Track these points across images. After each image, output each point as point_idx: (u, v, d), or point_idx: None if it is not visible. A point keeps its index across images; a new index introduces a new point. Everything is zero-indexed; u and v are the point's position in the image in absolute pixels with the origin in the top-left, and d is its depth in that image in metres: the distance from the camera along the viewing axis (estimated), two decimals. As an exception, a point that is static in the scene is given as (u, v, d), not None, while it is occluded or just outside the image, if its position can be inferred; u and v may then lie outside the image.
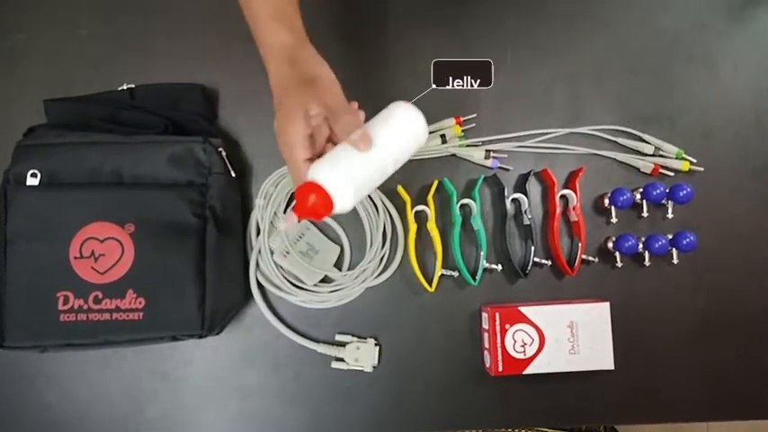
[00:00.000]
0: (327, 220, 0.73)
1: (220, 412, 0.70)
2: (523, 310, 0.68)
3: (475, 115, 0.75)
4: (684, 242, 0.71)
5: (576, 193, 0.72)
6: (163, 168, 0.65)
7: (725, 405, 0.73)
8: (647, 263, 0.73)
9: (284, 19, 0.52)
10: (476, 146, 0.74)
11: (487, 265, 0.71)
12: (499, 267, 0.72)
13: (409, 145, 0.52)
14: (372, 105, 0.54)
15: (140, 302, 0.63)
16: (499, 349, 0.67)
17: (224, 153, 0.68)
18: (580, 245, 0.71)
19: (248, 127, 0.74)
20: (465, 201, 0.73)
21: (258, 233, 0.71)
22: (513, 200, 0.73)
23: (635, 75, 0.77)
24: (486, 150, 0.74)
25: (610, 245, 0.73)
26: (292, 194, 0.73)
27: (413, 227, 0.71)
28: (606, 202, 0.73)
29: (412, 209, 0.72)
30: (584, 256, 0.72)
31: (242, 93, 0.74)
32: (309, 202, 0.46)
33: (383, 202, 0.73)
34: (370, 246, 0.72)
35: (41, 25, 0.75)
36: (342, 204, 0.47)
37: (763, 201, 0.75)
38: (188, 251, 0.64)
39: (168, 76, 0.73)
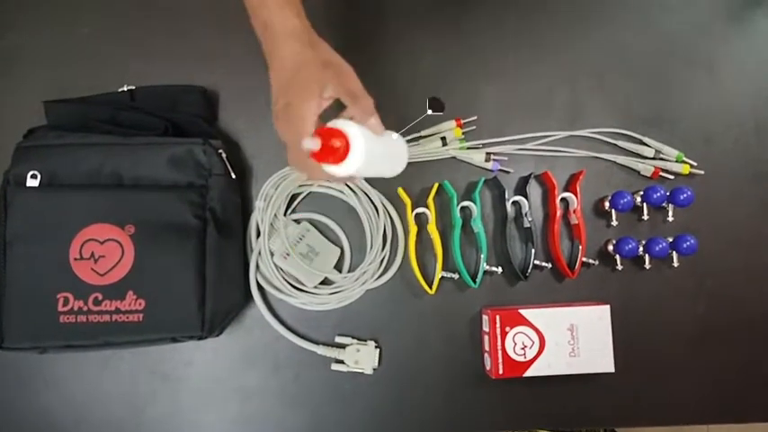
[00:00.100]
0: (327, 221, 0.73)
1: (220, 414, 0.70)
2: (524, 312, 0.68)
3: (475, 117, 0.75)
4: (685, 245, 0.71)
5: (576, 196, 0.72)
6: (163, 170, 0.65)
7: (725, 407, 0.73)
8: (647, 266, 0.73)
9: (294, 6, 0.53)
10: (476, 148, 0.74)
11: (488, 267, 0.71)
12: (499, 270, 0.72)
13: (398, 159, 0.60)
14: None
15: (140, 304, 0.62)
16: (499, 352, 0.67)
17: (224, 155, 0.68)
18: (580, 248, 0.71)
19: (248, 128, 0.74)
20: (465, 203, 0.73)
21: (258, 235, 0.71)
22: (514, 202, 0.73)
23: (635, 78, 0.77)
24: (487, 153, 0.74)
25: (610, 248, 0.73)
26: (293, 196, 0.73)
27: (413, 229, 0.71)
28: (606, 204, 0.73)
29: (412, 211, 0.72)
30: (584, 259, 0.72)
31: (242, 94, 0.74)
32: (333, 143, 0.48)
33: (383, 205, 0.73)
34: (371, 248, 0.72)
35: (41, 26, 0.75)
36: (353, 159, 0.48)
37: (763, 204, 0.75)
38: (188, 253, 0.64)
39: (168, 78, 0.73)
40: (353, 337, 0.71)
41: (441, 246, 0.71)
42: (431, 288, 0.71)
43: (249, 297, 0.71)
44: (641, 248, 0.72)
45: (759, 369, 0.73)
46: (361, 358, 0.70)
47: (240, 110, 0.74)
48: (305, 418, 0.71)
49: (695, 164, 0.75)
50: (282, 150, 0.51)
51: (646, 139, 0.75)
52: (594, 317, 0.69)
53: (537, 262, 0.72)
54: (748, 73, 0.78)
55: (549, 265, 0.73)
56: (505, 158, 0.74)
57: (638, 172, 0.75)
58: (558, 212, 0.72)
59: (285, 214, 0.72)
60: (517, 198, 0.73)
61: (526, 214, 0.72)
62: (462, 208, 0.73)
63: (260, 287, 0.71)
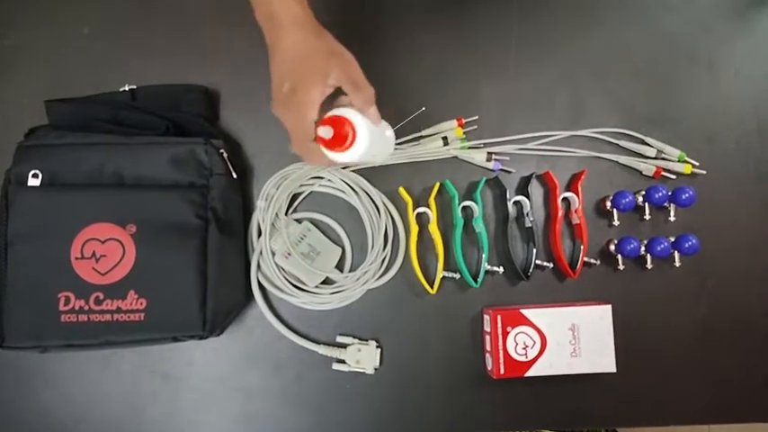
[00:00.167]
0: (329, 221, 0.73)
1: (221, 413, 0.70)
2: (525, 312, 0.68)
3: (477, 117, 0.75)
4: (687, 245, 0.71)
5: (578, 196, 0.72)
6: (164, 169, 0.65)
7: (726, 408, 0.73)
8: (649, 266, 0.73)
9: None
10: (478, 148, 0.74)
11: (489, 267, 0.71)
12: (501, 270, 0.72)
13: (388, 148, 0.63)
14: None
15: (141, 303, 0.62)
16: (501, 351, 0.67)
17: (225, 154, 0.68)
18: (582, 247, 0.71)
19: (250, 128, 0.74)
20: (467, 203, 0.73)
21: (259, 234, 0.71)
22: (515, 202, 0.73)
23: (637, 77, 0.77)
24: (488, 152, 0.74)
25: (612, 247, 0.73)
26: (294, 196, 0.73)
27: (414, 229, 0.71)
28: (608, 204, 0.73)
29: (413, 211, 0.71)
30: (585, 259, 0.72)
31: (244, 94, 0.74)
32: (343, 131, 0.50)
33: (385, 204, 0.72)
34: (372, 247, 0.72)
35: (42, 25, 0.75)
36: (357, 147, 0.51)
37: (765, 203, 0.75)
38: (189, 252, 0.64)
39: (169, 77, 0.73)
40: (355, 337, 0.71)
41: (442, 245, 0.71)
42: (432, 288, 0.71)
43: (250, 297, 0.71)
44: (643, 248, 0.72)
45: (760, 369, 0.73)
46: (363, 358, 0.70)
47: (241, 109, 0.74)
48: (306, 417, 0.71)
49: (697, 164, 0.75)
50: (284, 150, 0.51)
51: (648, 139, 0.75)
52: (596, 317, 0.69)
53: (538, 262, 0.72)
54: (751, 72, 0.77)
55: (551, 265, 0.73)
56: (507, 158, 0.74)
57: (640, 172, 0.75)
58: (560, 212, 0.72)
59: (286, 214, 0.72)
60: (519, 198, 0.73)
61: (528, 214, 0.72)
62: (464, 208, 0.73)
63: (261, 287, 0.71)
